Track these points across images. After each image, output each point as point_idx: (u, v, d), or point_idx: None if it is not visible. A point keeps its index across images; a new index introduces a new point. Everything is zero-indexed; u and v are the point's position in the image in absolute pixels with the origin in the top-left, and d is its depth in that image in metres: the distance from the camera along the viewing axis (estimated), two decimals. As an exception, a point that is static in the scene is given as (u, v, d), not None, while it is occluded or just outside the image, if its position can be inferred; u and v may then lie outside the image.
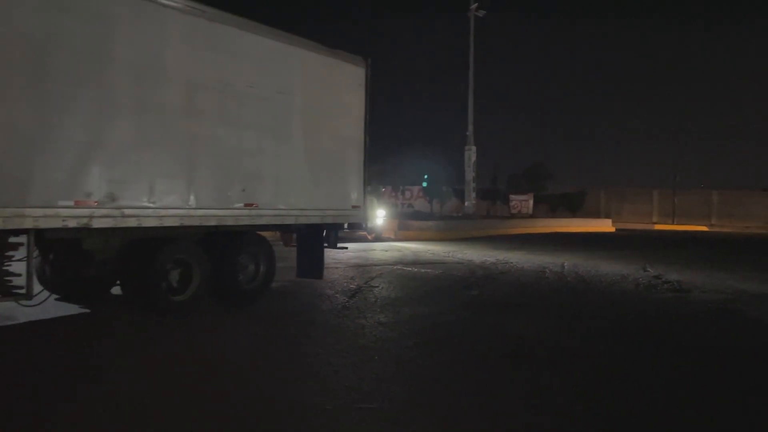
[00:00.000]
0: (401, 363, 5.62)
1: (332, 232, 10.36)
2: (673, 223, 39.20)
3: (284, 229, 10.23)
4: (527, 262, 14.43)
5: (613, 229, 33.34)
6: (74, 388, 4.76)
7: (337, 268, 12.80)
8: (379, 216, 20.73)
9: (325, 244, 10.28)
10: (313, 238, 10.02)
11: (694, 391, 5.06)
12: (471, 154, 30.02)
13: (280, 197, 8.85)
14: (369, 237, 20.07)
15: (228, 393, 4.75)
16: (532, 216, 34.78)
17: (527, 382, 5.17)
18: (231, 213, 8.00)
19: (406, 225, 23.32)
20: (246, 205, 8.19)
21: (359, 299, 8.96)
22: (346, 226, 10.57)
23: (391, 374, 5.26)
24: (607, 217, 38.59)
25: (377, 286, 10.19)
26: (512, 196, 36.52)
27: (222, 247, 8.12)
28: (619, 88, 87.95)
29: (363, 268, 12.83)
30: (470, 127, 30.09)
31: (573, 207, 37.26)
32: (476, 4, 29.72)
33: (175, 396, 4.66)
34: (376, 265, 13.30)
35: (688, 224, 38.74)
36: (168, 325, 7.05)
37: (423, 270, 12.71)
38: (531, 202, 35.98)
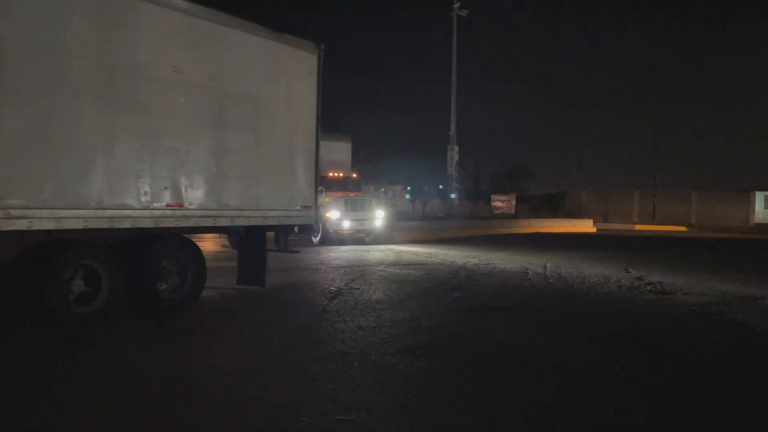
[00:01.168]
0: (382, 370, 5.43)
1: (282, 234, 9.75)
2: (653, 224, 39.51)
3: (219, 231, 9.26)
4: (510, 263, 14.32)
5: (594, 230, 33.50)
6: None
7: (317, 269, 12.60)
8: (378, 218, 20.03)
9: (275, 248, 9.69)
10: (255, 242, 9.18)
11: (680, 399, 4.94)
12: (454, 154, 29.96)
13: (212, 196, 8.00)
14: (366, 239, 19.53)
15: (196, 402, 4.52)
16: (515, 216, 34.87)
17: (511, 389, 5.01)
18: (150, 214, 7.13)
19: (388, 225, 23.12)
20: (169, 205, 7.36)
21: (339, 302, 8.75)
22: (296, 229, 9.88)
23: (370, 382, 5.06)
24: (588, 217, 38.76)
25: (358, 288, 9.99)
26: (495, 197, 36.59)
27: (139, 253, 7.27)
28: (601, 89, 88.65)
29: (344, 269, 12.63)
30: (453, 127, 30.02)
31: (555, 207, 37.39)
32: (458, 4, 29.64)
33: (140, 403, 4.43)
34: (357, 266, 13.10)
35: (669, 224, 39.11)
36: (147, 329, 6.80)
37: (405, 271, 12.54)
38: (513, 202, 36.10)
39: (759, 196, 43.04)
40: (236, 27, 8.17)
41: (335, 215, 18.72)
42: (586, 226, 34.24)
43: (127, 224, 6.93)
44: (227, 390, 4.82)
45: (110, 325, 6.86)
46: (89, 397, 4.66)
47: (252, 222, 8.70)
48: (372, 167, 30.99)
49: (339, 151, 21.50)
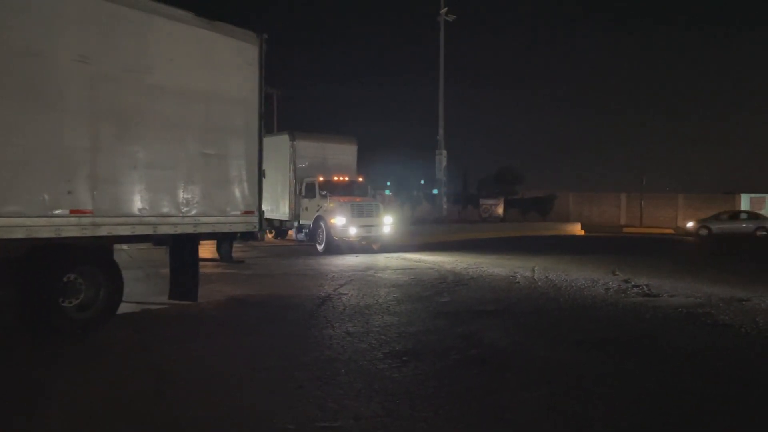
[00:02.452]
0: (369, 376, 5.41)
1: (225, 242, 9.10)
2: (641, 227, 39.75)
3: (140, 241, 8.05)
4: (498, 266, 14.35)
5: (582, 233, 33.64)
6: None
7: (305, 275, 12.56)
8: (386, 224, 18.79)
9: (217, 257, 9.18)
10: (186, 252, 8.30)
11: (667, 401, 4.95)
12: (442, 158, 29.97)
13: (129, 202, 7.16)
14: (374, 247, 18.62)
15: (181, 410, 4.48)
16: (503, 220, 34.90)
17: (497, 394, 5.01)
18: (49, 222, 6.27)
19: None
20: (73, 211, 6.50)
21: (327, 308, 8.73)
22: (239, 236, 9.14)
23: (358, 389, 5.04)
24: (576, 220, 38.91)
25: (346, 294, 9.97)
26: (483, 201, 36.59)
27: (36, 266, 6.41)
28: (588, 94, 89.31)
29: (332, 274, 12.59)
30: (441, 131, 30.04)
31: (543, 211, 37.51)
32: (446, 9, 29.73)
33: (125, 411, 4.38)
34: (345, 272, 13.07)
35: (656, 227, 39.36)
36: (131, 336, 6.73)
37: (393, 276, 12.53)
38: (501, 206, 36.11)
39: (744, 198, 43.38)
40: (158, 13, 7.45)
41: (340, 222, 17.64)
42: (574, 229, 34.38)
43: (19, 234, 6.01)
44: (213, 397, 4.78)
45: (95, 333, 6.80)
46: (73, 405, 4.60)
47: (180, 230, 7.82)
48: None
49: (344, 153, 20.80)
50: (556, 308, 9.03)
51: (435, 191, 35.73)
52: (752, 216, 32.42)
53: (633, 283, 11.40)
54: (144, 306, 8.69)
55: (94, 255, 7.14)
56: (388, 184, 36.29)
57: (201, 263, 8.77)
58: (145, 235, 7.55)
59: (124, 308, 7.69)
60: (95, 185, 6.77)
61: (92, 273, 7.01)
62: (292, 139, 19.64)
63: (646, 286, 11.10)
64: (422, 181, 38.32)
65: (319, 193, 18.43)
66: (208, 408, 4.56)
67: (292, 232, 20.08)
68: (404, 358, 6.02)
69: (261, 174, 8.99)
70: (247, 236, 9.17)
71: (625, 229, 38.64)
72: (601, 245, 23.63)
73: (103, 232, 6.87)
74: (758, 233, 29.89)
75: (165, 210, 7.60)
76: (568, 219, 39.79)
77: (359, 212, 17.99)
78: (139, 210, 7.30)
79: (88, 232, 6.68)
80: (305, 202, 19.08)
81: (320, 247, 17.88)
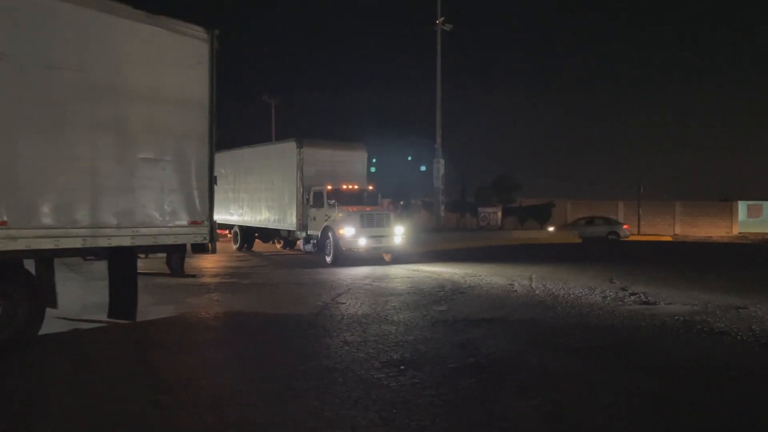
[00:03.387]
0: (367, 385, 5.42)
1: (175, 255, 8.45)
2: (638, 234, 39.83)
3: (69, 255, 7.27)
4: (496, 275, 14.37)
5: (579, 240, 33.67)
6: None
7: (303, 284, 12.57)
8: (398, 234, 17.70)
9: (168, 271, 8.55)
10: (124, 266, 7.64)
11: (663, 409, 4.97)
12: (440, 166, 30.03)
13: (52, 212, 6.52)
14: (386, 258, 17.74)
15: (177, 421, 4.49)
16: (501, 228, 34.93)
17: (494, 403, 5.02)
18: None
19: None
20: None
21: (325, 316, 8.74)
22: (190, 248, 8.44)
23: (355, 398, 5.05)
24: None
25: (344, 303, 9.99)
26: (481, 209, 36.64)
27: None
28: (586, 102, 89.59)
29: (331, 283, 12.60)
30: (438, 140, 30.13)
31: (540, 219, 37.50)
32: (443, 18, 29.90)
33: (119, 422, 4.38)
34: (343, 280, 13.08)
35: (653, 234, 39.46)
36: (131, 345, 6.73)
37: (391, 285, 12.54)
38: (499, 214, 36.15)
39: (741, 206, 43.58)
40: (90, 6, 6.90)
41: (349, 232, 16.75)
42: (572, 237, 34.42)
43: None
44: (210, 407, 4.79)
45: (83, 343, 6.81)
46: (69, 415, 4.61)
47: (116, 242, 7.17)
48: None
49: (353, 161, 19.98)
50: (554, 316, 9.04)
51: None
52: (606, 221, 36.21)
53: (630, 291, 11.43)
54: (141, 316, 8.67)
55: (10, 272, 6.53)
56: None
57: (158, 277, 8.39)
58: (71, 249, 6.84)
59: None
60: (12, 193, 6.19)
61: (7, 293, 6.48)
62: (300, 145, 18.82)
63: (644, 293, 11.13)
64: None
65: (327, 202, 17.62)
66: (205, 418, 4.57)
67: (300, 243, 19.28)
68: (402, 366, 6.03)
69: (212, 181, 8.37)
70: (197, 248, 8.43)
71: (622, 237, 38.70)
72: (598, 253, 23.65)
73: (21, 245, 6.23)
74: (609, 236, 34.37)
75: (97, 220, 6.95)
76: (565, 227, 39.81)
77: (369, 222, 17.14)
78: (65, 221, 6.64)
79: (3, 246, 6.04)
80: (313, 211, 18.24)
81: (329, 259, 17.12)
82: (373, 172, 31.82)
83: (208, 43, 8.16)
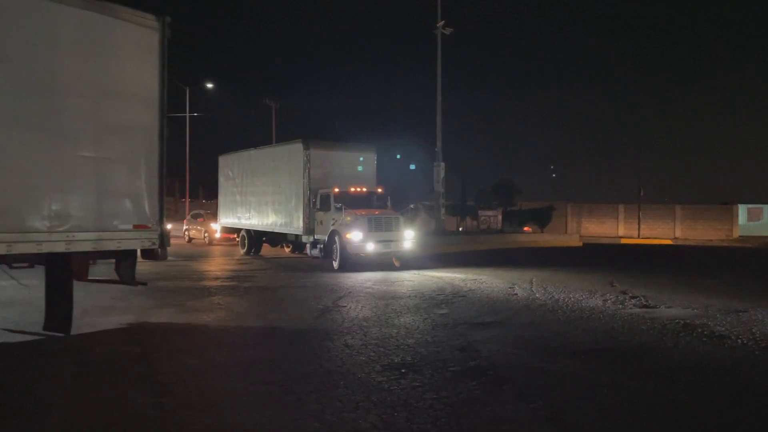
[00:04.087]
0: (368, 388, 5.44)
1: (125, 261, 7.66)
2: (638, 237, 39.83)
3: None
4: (496, 278, 14.38)
5: (580, 244, 33.68)
6: None
7: (305, 287, 12.59)
8: (407, 238, 17.21)
9: (117, 279, 7.79)
10: (60, 274, 7.11)
11: (663, 412, 4.98)
12: (440, 170, 30.02)
13: None
14: (396, 264, 17.04)
15: (179, 424, 4.50)
16: (502, 231, 34.94)
17: (498, 406, 5.03)
18: None
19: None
20: None
21: (326, 320, 8.76)
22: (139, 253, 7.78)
23: (356, 401, 5.06)
24: (574, 231, 39.01)
25: (345, 306, 10.00)
26: (482, 212, 36.65)
27: None
28: (587, 106, 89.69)
29: (332, 286, 12.61)
30: (439, 144, 30.13)
31: (541, 222, 37.53)
32: (443, 22, 29.93)
33: (124, 427, 4.40)
34: (344, 284, 13.09)
35: (654, 238, 39.45)
36: (131, 352, 6.73)
37: (392, 288, 12.55)
38: (500, 217, 36.15)
39: (742, 209, 43.55)
40: None
41: (357, 237, 16.20)
42: (572, 240, 34.42)
43: None
44: (211, 411, 4.80)
45: (84, 344, 6.82)
46: (73, 418, 4.62)
47: (47, 248, 6.53)
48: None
49: (362, 163, 19.26)
50: (554, 320, 9.05)
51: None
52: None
53: (630, 295, 11.44)
54: (142, 318, 8.70)
55: None
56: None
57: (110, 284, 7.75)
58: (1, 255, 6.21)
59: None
60: None
61: None
62: (307, 147, 18.19)
63: (644, 297, 11.14)
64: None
65: (334, 206, 17.02)
66: (207, 421, 4.58)
67: (308, 248, 18.63)
68: (402, 370, 6.05)
69: (163, 182, 7.71)
70: (146, 255, 7.78)
71: (623, 240, 38.73)
72: (599, 256, 23.67)
73: None
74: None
75: (24, 224, 6.35)
76: (566, 230, 39.86)
77: (377, 226, 16.56)
78: None
79: None
80: (320, 215, 17.65)
81: (335, 264, 16.56)
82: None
83: (159, 32, 7.57)
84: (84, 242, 6.88)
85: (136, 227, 7.43)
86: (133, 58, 7.42)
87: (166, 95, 7.70)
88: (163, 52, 7.63)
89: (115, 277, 7.82)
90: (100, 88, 7.09)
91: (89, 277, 7.96)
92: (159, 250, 7.70)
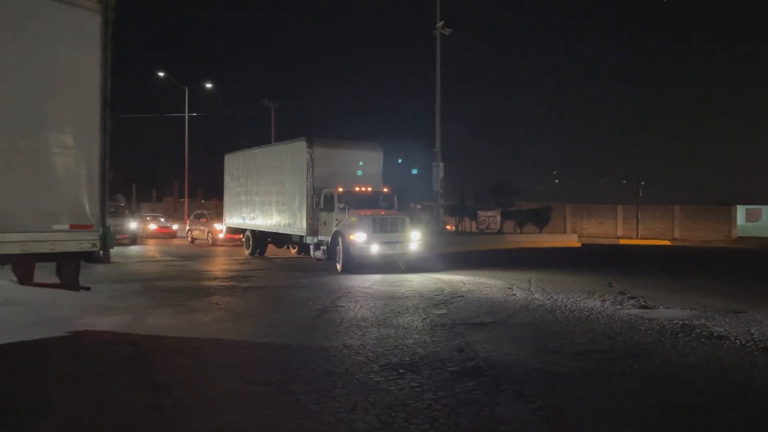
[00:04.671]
0: (366, 389, 5.43)
1: (66, 264, 7.06)
2: (637, 238, 39.86)
3: None
4: (495, 278, 14.38)
5: (578, 244, 33.70)
6: None
7: (302, 288, 12.58)
8: (413, 239, 16.72)
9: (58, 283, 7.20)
10: None
11: (661, 413, 4.98)
12: (439, 170, 30.03)
13: None
14: (401, 266, 16.57)
15: (176, 424, 4.50)
16: (500, 232, 34.97)
17: (496, 406, 5.02)
18: None
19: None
20: None
21: (324, 320, 8.75)
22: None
23: (354, 402, 5.06)
24: (572, 232, 39.03)
25: (343, 306, 9.99)
26: (480, 213, 36.68)
27: None
28: (586, 106, 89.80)
29: (330, 287, 12.61)
30: (438, 144, 30.13)
31: (539, 222, 37.55)
32: (442, 23, 29.93)
33: (121, 427, 4.39)
34: (343, 284, 13.08)
35: (652, 238, 39.49)
36: (127, 352, 6.73)
37: (390, 288, 12.54)
38: (499, 218, 36.19)
39: (740, 210, 43.57)
40: None
41: (360, 238, 15.71)
42: (571, 240, 34.43)
43: None
44: (209, 411, 4.80)
45: (84, 345, 6.81)
46: (70, 418, 4.61)
47: None
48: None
49: (367, 161, 18.77)
50: (553, 320, 9.05)
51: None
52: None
53: (629, 295, 11.44)
54: (141, 318, 8.69)
55: None
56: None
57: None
58: None
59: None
60: None
61: None
62: (310, 145, 17.68)
63: (643, 297, 11.14)
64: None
65: (338, 206, 16.61)
66: (205, 421, 4.58)
67: (312, 249, 18.09)
68: (401, 370, 6.04)
69: (105, 177, 7.04)
70: (87, 258, 7.09)
71: (621, 241, 38.77)
72: (597, 257, 23.68)
73: None
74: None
75: None
76: (564, 230, 39.89)
77: (382, 227, 16.07)
78: None
79: None
80: (323, 215, 17.16)
81: (339, 266, 16.14)
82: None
83: (100, 14, 6.91)
84: (9, 244, 6.18)
85: (74, 227, 6.73)
86: (69, 42, 6.73)
87: (110, 84, 7.02)
88: (106, 36, 6.95)
89: (57, 281, 7.24)
90: (31, 75, 6.45)
91: (35, 282, 7.35)
92: (101, 252, 7.01)
